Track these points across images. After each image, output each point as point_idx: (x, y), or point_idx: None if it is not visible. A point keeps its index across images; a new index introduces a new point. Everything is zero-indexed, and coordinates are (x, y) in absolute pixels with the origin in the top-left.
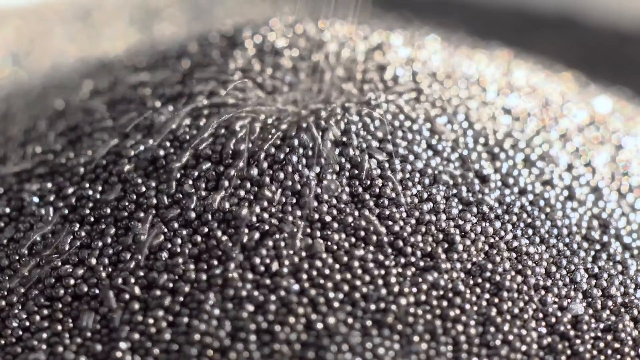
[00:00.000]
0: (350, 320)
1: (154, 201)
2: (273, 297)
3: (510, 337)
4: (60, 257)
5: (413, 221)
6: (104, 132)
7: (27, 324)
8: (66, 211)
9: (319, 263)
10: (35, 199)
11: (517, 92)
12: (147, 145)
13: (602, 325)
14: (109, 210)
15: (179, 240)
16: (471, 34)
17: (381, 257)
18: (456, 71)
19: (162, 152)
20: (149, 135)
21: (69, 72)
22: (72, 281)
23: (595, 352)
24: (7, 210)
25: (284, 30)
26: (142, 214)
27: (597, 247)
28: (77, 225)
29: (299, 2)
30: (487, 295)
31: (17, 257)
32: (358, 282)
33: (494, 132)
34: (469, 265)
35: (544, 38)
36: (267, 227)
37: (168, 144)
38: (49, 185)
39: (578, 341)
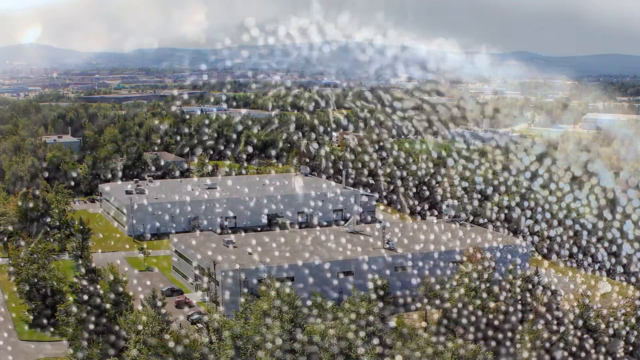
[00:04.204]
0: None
1: None
2: None
3: (548, 320)
4: None
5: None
6: None
7: None
8: None
9: None
10: None
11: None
12: None
13: (630, 302)
14: None
15: None
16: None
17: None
18: None
19: None
20: None
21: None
22: None
23: (628, 328)
24: None
25: None
26: None
27: (611, 225)
28: None
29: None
30: (519, 282)
31: None
32: None
33: (496, 124)
34: (498, 254)
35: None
36: None
37: None
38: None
39: (612, 319)
